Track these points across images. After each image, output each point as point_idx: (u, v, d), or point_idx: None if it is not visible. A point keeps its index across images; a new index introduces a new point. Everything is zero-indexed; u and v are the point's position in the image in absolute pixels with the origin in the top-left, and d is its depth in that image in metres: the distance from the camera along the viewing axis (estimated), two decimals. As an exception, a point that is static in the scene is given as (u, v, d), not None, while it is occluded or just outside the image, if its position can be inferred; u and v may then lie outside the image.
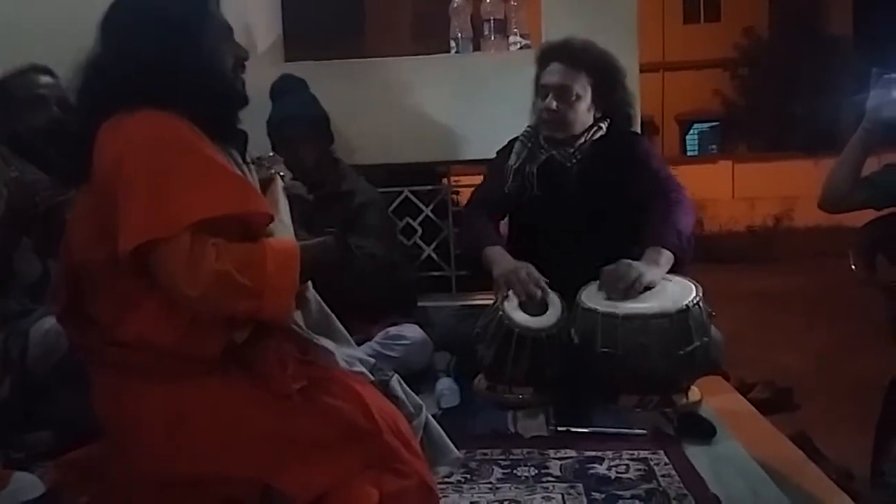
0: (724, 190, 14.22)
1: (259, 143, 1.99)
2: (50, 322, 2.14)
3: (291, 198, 1.86)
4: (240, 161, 1.70)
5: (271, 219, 1.63)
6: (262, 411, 1.58)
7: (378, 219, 2.81)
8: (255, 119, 1.78)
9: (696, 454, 2.06)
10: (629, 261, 2.40)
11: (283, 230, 1.72)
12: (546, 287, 2.47)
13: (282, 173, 1.88)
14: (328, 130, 2.88)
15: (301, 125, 2.77)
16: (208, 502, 1.58)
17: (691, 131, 20.56)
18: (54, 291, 1.70)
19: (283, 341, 1.70)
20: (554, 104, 2.60)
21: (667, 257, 2.43)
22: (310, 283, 1.71)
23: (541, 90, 2.67)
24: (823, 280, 8.03)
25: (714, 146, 20.18)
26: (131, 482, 1.60)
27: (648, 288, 2.37)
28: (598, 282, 2.46)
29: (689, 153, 19.97)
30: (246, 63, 1.69)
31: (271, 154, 1.94)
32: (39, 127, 2.37)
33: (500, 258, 2.56)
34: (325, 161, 2.85)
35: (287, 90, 2.85)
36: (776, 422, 2.61)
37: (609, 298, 2.38)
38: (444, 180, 3.67)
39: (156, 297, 1.51)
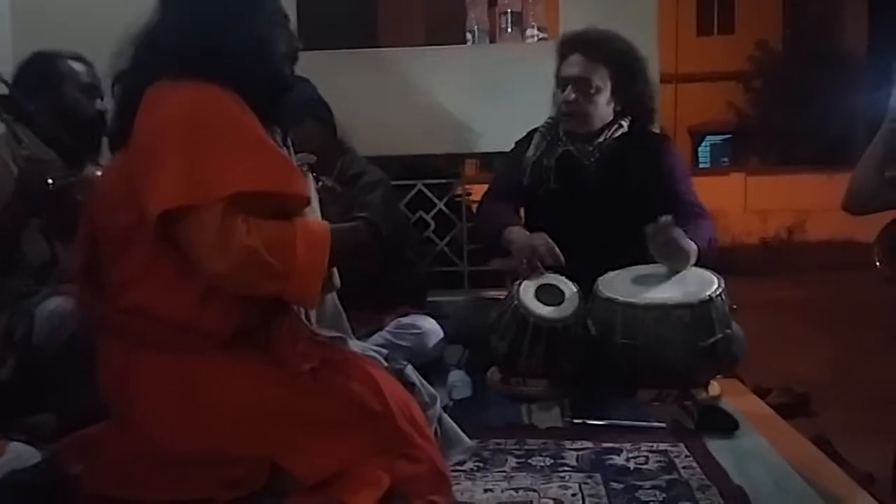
0: (736, 202, 14.12)
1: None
2: (56, 303, 2.10)
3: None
4: (280, 142, 1.68)
5: (308, 202, 1.61)
6: (273, 389, 1.55)
7: (380, 197, 2.72)
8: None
9: (718, 448, 1.98)
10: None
11: None
12: (561, 257, 2.43)
13: (314, 173, 1.86)
14: (326, 116, 2.80)
15: (308, 109, 2.70)
16: (212, 483, 1.53)
17: (703, 143, 20.48)
18: (73, 253, 1.68)
19: (297, 321, 1.67)
20: (572, 96, 2.57)
21: (692, 248, 2.37)
22: (335, 269, 1.67)
23: (560, 82, 2.64)
24: (838, 292, 7.99)
25: (726, 158, 20.08)
26: (133, 459, 1.56)
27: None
28: (616, 272, 2.41)
29: (701, 165, 19.86)
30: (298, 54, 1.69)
31: (303, 153, 1.92)
32: (85, 114, 2.37)
33: (518, 235, 2.53)
34: (330, 148, 2.78)
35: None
36: (794, 426, 2.54)
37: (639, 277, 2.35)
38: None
39: (170, 268, 1.49)
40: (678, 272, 2.36)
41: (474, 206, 3.34)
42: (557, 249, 2.43)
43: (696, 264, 2.38)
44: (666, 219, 2.27)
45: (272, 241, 1.46)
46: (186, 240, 1.44)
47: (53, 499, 1.47)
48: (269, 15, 1.63)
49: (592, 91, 2.57)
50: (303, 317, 1.69)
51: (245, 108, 1.54)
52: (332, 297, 1.87)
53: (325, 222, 1.64)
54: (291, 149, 1.76)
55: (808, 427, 3.33)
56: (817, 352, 5.56)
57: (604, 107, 2.60)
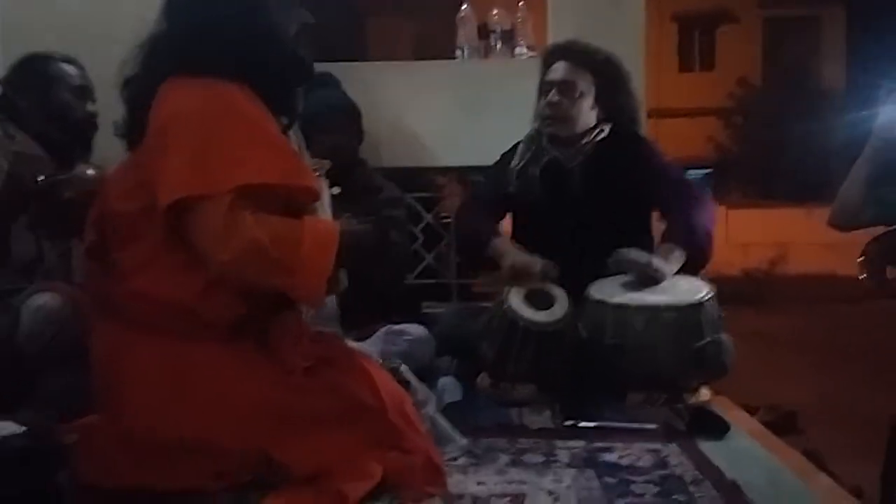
0: (718, 235, 14.16)
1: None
2: (42, 299, 2.07)
3: None
4: (294, 138, 1.69)
5: (317, 196, 1.62)
6: (267, 381, 1.54)
7: (403, 214, 2.84)
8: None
9: (710, 448, 1.98)
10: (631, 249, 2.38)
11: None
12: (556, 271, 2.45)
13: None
14: (361, 126, 2.89)
15: (339, 115, 2.79)
16: (201, 473, 1.52)
17: (684, 178, 20.71)
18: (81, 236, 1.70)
19: (301, 319, 1.69)
20: (556, 98, 2.59)
21: (676, 255, 2.39)
22: (342, 270, 1.67)
23: (544, 87, 2.66)
24: (819, 322, 8.04)
25: (707, 192, 20.29)
26: (121, 447, 1.54)
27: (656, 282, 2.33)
28: (606, 279, 2.41)
29: (682, 200, 20.04)
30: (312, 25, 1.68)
31: (317, 159, 1.93)
32: (76, 115, 2.38)
33: (510, 249, 2.53)
34: (356, 157, 2.86)
35: (323, 83, 2.86)
36: (783, 443, 2.54)
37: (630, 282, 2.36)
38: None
39: (178, 255, 1.50)
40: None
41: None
42: (552, 267, 2.46)
43: (688, 260, 2.41)
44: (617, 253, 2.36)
45: (279, 236, 1.46)
46: (193, 230, 1.45)
47: (47, 463, 1.45)
48: (273, 1, 1.63)
49: (577, 95, 2.59)
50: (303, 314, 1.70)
51: (255, 101, 1.56)
52: (332, 298, 1.87)
53: (335, 222, 1.64)
54: (304, 145, 1.76)
55: (796, 444, 3.33)
56: (801, 378, 5.59)
57: (587, 112, 2.62)
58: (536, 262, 2.45)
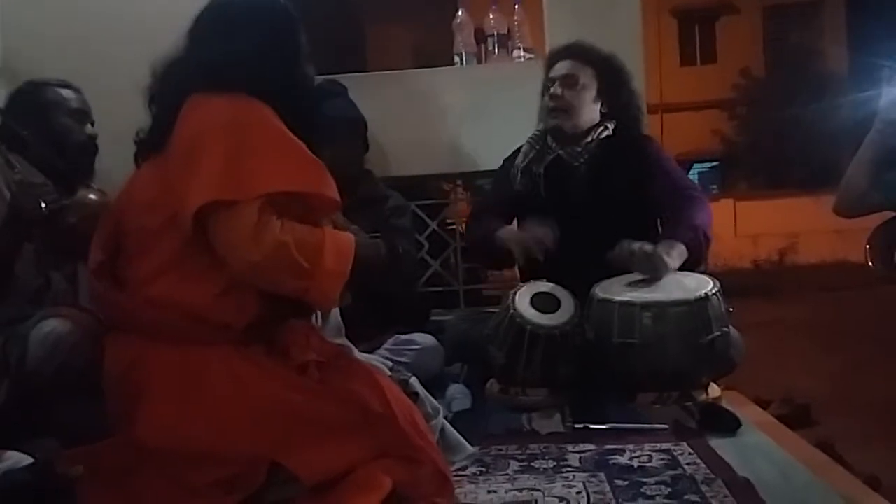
0: (726, 228, 14.21)
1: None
2: (50, 325, 2.07)
3: None
4: None
5: (338, 205, 1.67)
6: (278, 387, 1.57)
7: (410, 223, 2.85)
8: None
9: (722, 445, 1.98)
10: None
11: None
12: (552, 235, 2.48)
13: None
14: (366, 136, 2.89)
15: (344, 125, 2.77)
16: (210, 483, 1.53)
17: (691, 171, 20.60)
18: (90, 251, 1.73)
19: (310, 324, 1.73)
20: (560, 90, 2.61)
21: (679, 250, 2.38)
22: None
23: (547, 83, 2.68)
24: (831, 311, 7.98)
25: (715, 185, 20.21)
26: (131, 467, 1.55)
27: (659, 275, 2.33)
28: (611, 279, 2.41)
29: (690, 193, 19.95)
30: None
31: None
32: (75, 139, 2.39)
33: (511, 232, 2.61)
34: (362, 167, 2.87)
35: (331, 93, 2.85)
36: (797, 436, 2.52)
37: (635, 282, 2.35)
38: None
39: (193, 263, 1.56)
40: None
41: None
42: (549, 232, 2.48)
43: (688, 258, 2.39)
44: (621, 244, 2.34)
45: (303, 240, 1.53)
46: (222, 232, 1.50)
47: (50, 498, 1.46)
48: (302, 43, 1.72)
49: (579, 87, 2.63)
50: (313, 322, 1.72)
51: (276, 117, 1.61)
52: (335, 313, 1.89)
53: (350, 233, 1.69)
54: None
55: (810, 437, 3.31)
56: (814, 368, 5.55)
57: (590, 105, 2.65)
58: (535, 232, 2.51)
